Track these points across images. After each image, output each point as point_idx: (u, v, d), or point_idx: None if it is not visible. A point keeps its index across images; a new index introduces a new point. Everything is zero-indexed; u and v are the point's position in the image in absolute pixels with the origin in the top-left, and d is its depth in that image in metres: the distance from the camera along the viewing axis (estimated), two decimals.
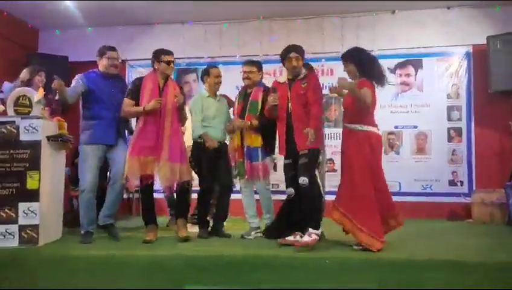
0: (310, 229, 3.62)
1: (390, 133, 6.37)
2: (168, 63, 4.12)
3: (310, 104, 3.82)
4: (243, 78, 4.39)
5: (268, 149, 4.31)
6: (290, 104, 3.90)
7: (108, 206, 4.19)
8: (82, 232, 4.09)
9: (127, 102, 4.10)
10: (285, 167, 4.02)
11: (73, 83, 4.19)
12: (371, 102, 3.61)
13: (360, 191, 3.58)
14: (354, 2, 6.08)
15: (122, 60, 4.47)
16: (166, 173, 3.97)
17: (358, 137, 3.67)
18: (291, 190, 3.92)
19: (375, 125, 3.75)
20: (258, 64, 4.44)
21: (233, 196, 4.53)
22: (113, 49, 4.29)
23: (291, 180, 3.92)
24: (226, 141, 4.57)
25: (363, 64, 3.71)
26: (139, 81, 4.19)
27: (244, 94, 4.41)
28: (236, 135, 4.36)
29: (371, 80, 3.69)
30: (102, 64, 4.25)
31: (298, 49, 3.94)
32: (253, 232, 4.29)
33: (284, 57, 3.95)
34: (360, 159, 3.62)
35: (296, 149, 3.83)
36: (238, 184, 4.54)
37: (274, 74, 6.39)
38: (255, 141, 4.23)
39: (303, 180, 3.67)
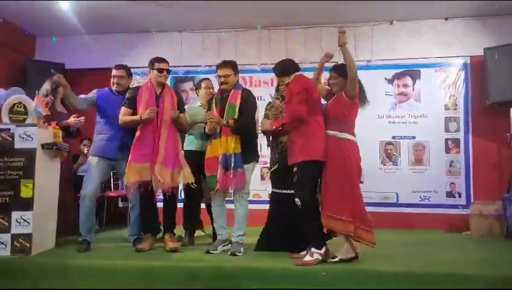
0: (313, 249, 3.55)
1: (388, 143, 6.34)
2: (160, 70, 4.13)
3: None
4: (221, 83, 4.11)
5: (248, 156, 4.03)
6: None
7: (132, 227, 4.45)
8: (80, 239, 4.16)
9: (123, 111, 4.16)
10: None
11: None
12: (357, 87, 3.63)
13: (346, 196, 3.55)
14: (352, 12, 6.09)
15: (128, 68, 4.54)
16: (159, 177, 3.93)
17: (343, 146, 3.62)
18: (298, 201, 3.67)
19: (355, 135, 3.72)
20: (234, 65, 4.15)
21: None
22: (118, 67, 4.44)
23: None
24: None
25: None
26: (135, 91, 4.21)
27: (221, 98, 4.12)
28: (209, 146, 4.07)
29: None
30: (111, 81, 4.43)
31: (275, 69, 3.97)
32: (220, 246, 4.01)
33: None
34: (347, 168, 3.58)
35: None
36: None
37: (272, 83, 6.38)
38: (230, 147, 3.92)
39: (297, 201, 3.59)
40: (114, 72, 4.41)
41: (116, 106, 4.24)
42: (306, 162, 3.62)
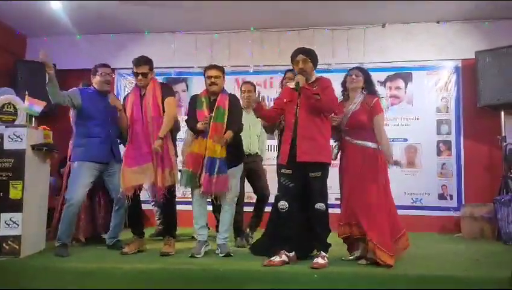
0: (323, 253, 3.60)
1: None
2: (136, 74, 4.08)
3: None
4: (210, 84, 4.07)
5: (234, 160, 4.08)
6: (298, 110, 3.69)
7: (113, 229, 4.33)
8: (57, 244, 3.96)
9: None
10: (282, 176, 3.73)
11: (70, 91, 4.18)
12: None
13: (375, 208, 3.62)
14: (345, 14, 6.10)
15: (112, 69, 4.43)
16: (157, 179, 3.92)
17: (371, 154, 3.74)
18: (284, 204, 3.65)
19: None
20: (223, 70, 4.19)
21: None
22: (104, 65, 4.26)
23: (286, 192, 3.69)
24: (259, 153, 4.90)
25: (371, 83, 3.96)
26: (126, 96, 4.26)
27: (209, 101, 4.09)
28: (199, 142, 3.99)
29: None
30: (96, 81, 4.20)
31: (306, 52, 3.77)
32: (202, 248, 3.95)
33: (292, 60, 3.81)
34: (375, 177, 3.69)
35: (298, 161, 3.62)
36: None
37: (264, 85, 6.37)
38: (217, 151, 3.89)
39: (320, 206, 3.60)
40: (104, 70, 4.20)
41: (101, 108, 4.12)
42: (328, 165, 3.71)
